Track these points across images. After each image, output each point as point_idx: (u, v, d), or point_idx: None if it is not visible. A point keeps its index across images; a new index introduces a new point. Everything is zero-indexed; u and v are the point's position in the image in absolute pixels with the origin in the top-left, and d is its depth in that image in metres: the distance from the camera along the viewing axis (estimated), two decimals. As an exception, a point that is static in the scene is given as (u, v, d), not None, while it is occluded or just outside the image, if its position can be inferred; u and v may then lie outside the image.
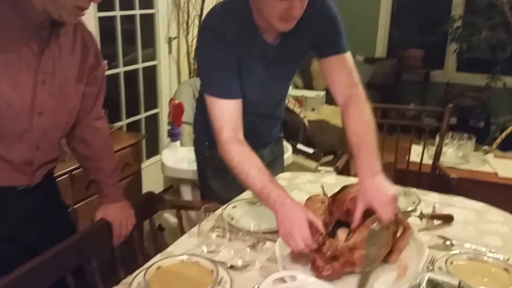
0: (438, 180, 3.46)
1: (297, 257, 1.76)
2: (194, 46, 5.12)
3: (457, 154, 3.78)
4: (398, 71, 7.67)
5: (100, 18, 4.28)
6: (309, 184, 2.54)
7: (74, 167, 3.05)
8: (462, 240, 1.98)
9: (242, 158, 1.92)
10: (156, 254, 1.90)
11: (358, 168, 1.84)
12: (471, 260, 1.78)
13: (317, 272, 1.64)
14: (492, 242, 1.98)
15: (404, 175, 3.56)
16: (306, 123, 5.51)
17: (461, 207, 2.30)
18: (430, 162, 3.58)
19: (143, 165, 4.61)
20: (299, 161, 4.81)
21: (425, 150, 3.60)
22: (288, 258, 1.76)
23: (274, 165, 2.66)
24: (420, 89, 7.61)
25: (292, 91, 6.21)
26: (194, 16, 5.21)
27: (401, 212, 1.86)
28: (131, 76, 4.89)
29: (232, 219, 2.04)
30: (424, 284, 1.48)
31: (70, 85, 1.89)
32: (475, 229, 2.11)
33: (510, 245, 1.96)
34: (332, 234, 1.76)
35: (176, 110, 3.86)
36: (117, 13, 4.59)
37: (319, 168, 4.95)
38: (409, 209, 2.19)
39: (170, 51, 5.24)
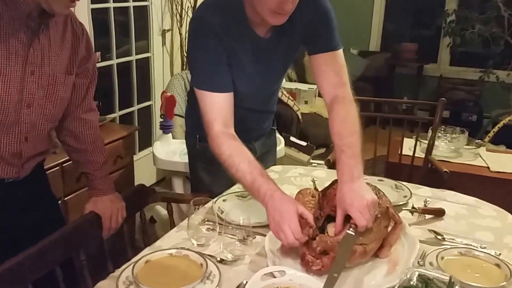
0: (430, 173, 3.45)
1: (287, 251, 1.75)
2: (187, 39, 5.09)
3: (450, 148, 3.77)
4: (392, 65, 7.68)
5: (93, 10, 4.25)
6: (300, 177, 2.53)
7: (65, 159, 3.03)
8: (454, 234, 1.98)
9: (233, 151, 1.91)
10: (146, 247, 1.88)
11: (339, 172, 1.82)
12: (463, 255, 1.77)
13: (307, 266, 1.63)
14: (484, 237, 1.98)
15: (396, 169, 3.55)
16: (299, 116, 5.49)
17: (453, 201, 2.30)
18: (423, 155, 3.57)
19: (136, 157, 4.61)
20: (292, 153, 4.79)
21: (418, 143, 3.59)
22: (278, 252, 1.76)
23: (266, 157, 2.65)
24: (413, 82, 7.62)
25: (285, 83, 6.19)
26: (188, 8, 5.18)
27: (392, 206, 1.85)
28: (124, 68, 4.86)
29: (222, 212, 2.03)
30: (414, 279, 1.48)
31: (59, 77, 1.88)
32: (466, 224, 2.10)
33: (502, 240, 1.96)
34: (322, 229, 1.75)
35: (168, 103, 3.84)
36: (111, 5, 4.56)
37: (311, 161, 4.94)
38: (401, 203, 2.19)
39: (163, 43, 5.21)
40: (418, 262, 1.73)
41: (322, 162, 5.01)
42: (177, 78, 4.57)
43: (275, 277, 1.57)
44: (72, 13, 1.92)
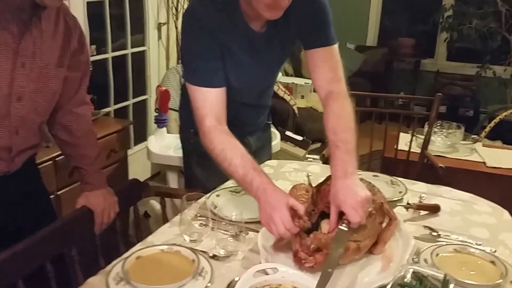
0: (426, 168, 3.44)
1: (279, 248, 1.74)
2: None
3: (446, 143, 3.76)
4: (389, 60, 7.66)
5: (88, 3, 4.22)
6: (295, 173, 2.52)
7: (58, 153, 3.01)
8: (449, 231, 1.96)
9: (225, 146, 1.89)
10: (139, 242, 1.87)
11: (333, 168, 1.80)
12: (458, 252, 1.76)
13: (300, 263, 1.62)
14: (479, 234, 1.97)
15: (392, 164, 3.54)
16: (296, 111, 5.48)
17: (448, 197, 2.28)
18: (419, 150, 3.56)
19: (131, 152, 4.59)
20: (288, 148, 4.79)
21: (414, 138, 3.58)
22: (270, 249, 1.74)
23: (262, 152, 2.64)
24: (410, 77, 7.63)
25: (282, 78, 6.18)
26: (184, 1, 5.15)
27: (387, 202, 1.83)
28: (119, 62, 4.83)
29: (215, 207, 2.02)
30: (408, 276, 1.46)
31: (51, 69, 1.86)
32: (462, 220, 2.09)
33: (497, 237, 1.94)
34: (316, 225, 1.73)
35: (163, 97, 3.83)
36: (106, -2, 4.53)
37: (307, 155, 4.93)
38: (395, 199, 2.17)
39: (159, 37, 5.18)
40: (413, 259, 1.72)
41: (318, 156, 5.01)
42: (172, 71, 4.56)
43: (267, 274, 1.55)
44: (65, 6, 1.90)
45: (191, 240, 1.80)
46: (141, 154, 4.86)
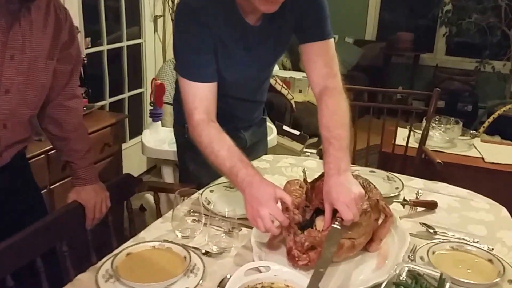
0: (424, 164, 3.42)
1: (273, 245, 1.71)
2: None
3: (444, 138, 3.74)
4: (388, 54, 7.66)
5: (84, -4, 4.19)
6: (290, 168, 2.49)
7: (50, 147, 2.96)
8: (446, 228, 1.94)
9: (213, 139, 1.86)
10: (132, 237, 1.84)
11: (326, 165, 1.77)
12: (454, 249, 1.73)
13: (293, 261, 1.59)
14: (477, 231, 1.94)
15: (390, 158, 3.52)
16: (293, 105, 5.45)
17: (445, 193, 2.26)
18: (416, 145, 3.53)
19: (126, 145, 4.56)
20: (285, 143, 4.76)
21: (412, 133, 3.55)
22: (263, 246, 1.71)
23: (257, 147, 2.62)
24: (409, 72, 7.61)
25: (279, 72, 6.15)
26: (180, -7, 5.12)
27: (383, 199, 1.80)
28: (115, 55, 4.80)
29: (209, 203, 1.99)
30: (404, 275, 1.43)
31: (40, 62, 1.83)
32: (459, 217, 2.06)
33: (495, 235, 1.91)
34: (310, 223, 1.70)
35: (158, 90, 3.80)
36: (102, -10, 4.49)
37: (304, 150, 4.90)
38: (392, 195, 2.14)
39: (155, 30, 5.16)
40: (409, 257, 1.69)
41: (315, 151, 4.98)
42: (168, 65, 4.52)
43: (260, 272, 1.52)
44: None
45: (183, 236, 1.78)
46: (137, 148, 4.82)
